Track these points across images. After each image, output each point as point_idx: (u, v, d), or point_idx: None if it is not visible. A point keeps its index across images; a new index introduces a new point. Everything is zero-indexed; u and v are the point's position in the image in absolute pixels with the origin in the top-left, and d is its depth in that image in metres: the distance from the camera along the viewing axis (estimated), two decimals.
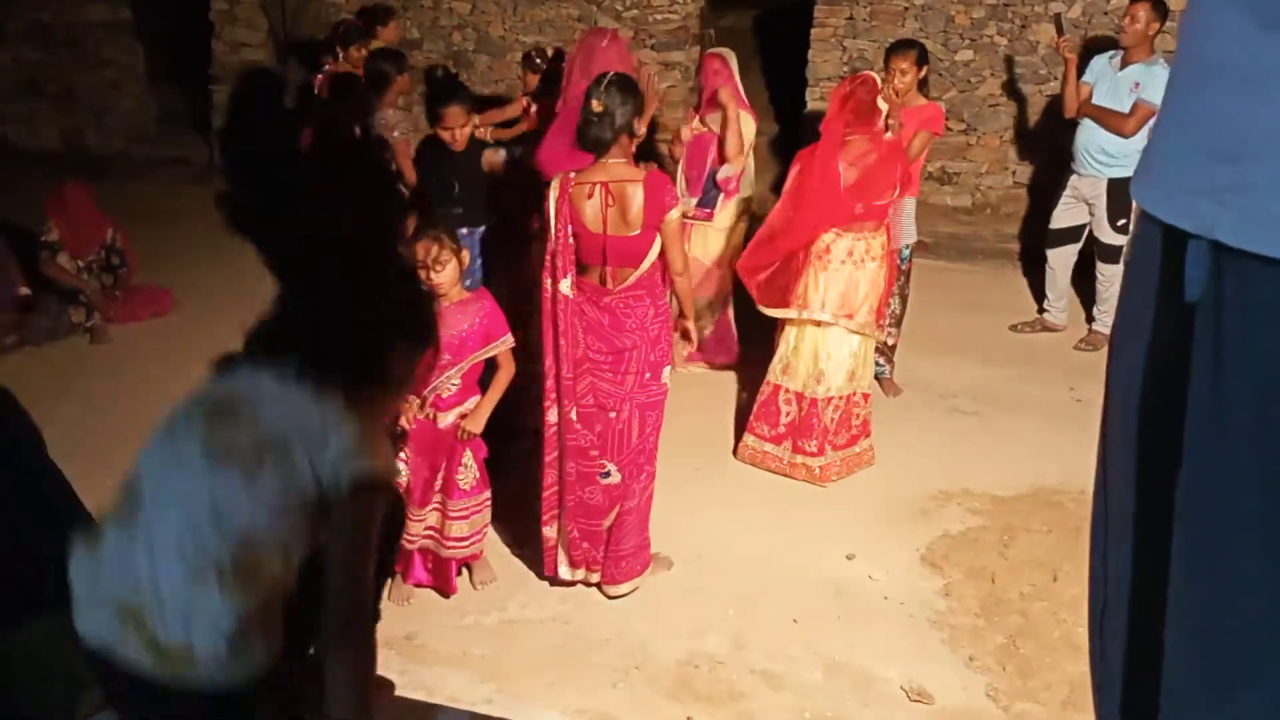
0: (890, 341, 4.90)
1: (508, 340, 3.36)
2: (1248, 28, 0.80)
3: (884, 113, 4.07)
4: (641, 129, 3.31)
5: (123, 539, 1.64)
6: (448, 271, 3.24)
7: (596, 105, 3.17)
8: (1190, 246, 0.84)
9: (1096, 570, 1.09)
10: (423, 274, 3.21)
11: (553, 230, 3.24)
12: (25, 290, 5.59)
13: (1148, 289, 0.92)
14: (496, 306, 3.38)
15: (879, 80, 4.14)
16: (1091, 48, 6.07)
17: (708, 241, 5.05)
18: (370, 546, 1.71)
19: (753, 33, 8.72)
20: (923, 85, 4.87)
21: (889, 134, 4.13)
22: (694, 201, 4.98)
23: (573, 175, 3.24)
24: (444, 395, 3.33)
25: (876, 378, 4.92)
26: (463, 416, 3.35)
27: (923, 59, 4.76)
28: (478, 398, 3.38)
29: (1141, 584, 0.97)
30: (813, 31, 7.20)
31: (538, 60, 5.60)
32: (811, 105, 7.19)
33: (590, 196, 3.19)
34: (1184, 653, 0.90)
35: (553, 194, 3.25)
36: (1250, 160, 0.81)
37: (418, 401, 3.35)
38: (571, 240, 3.24)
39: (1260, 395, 0.80)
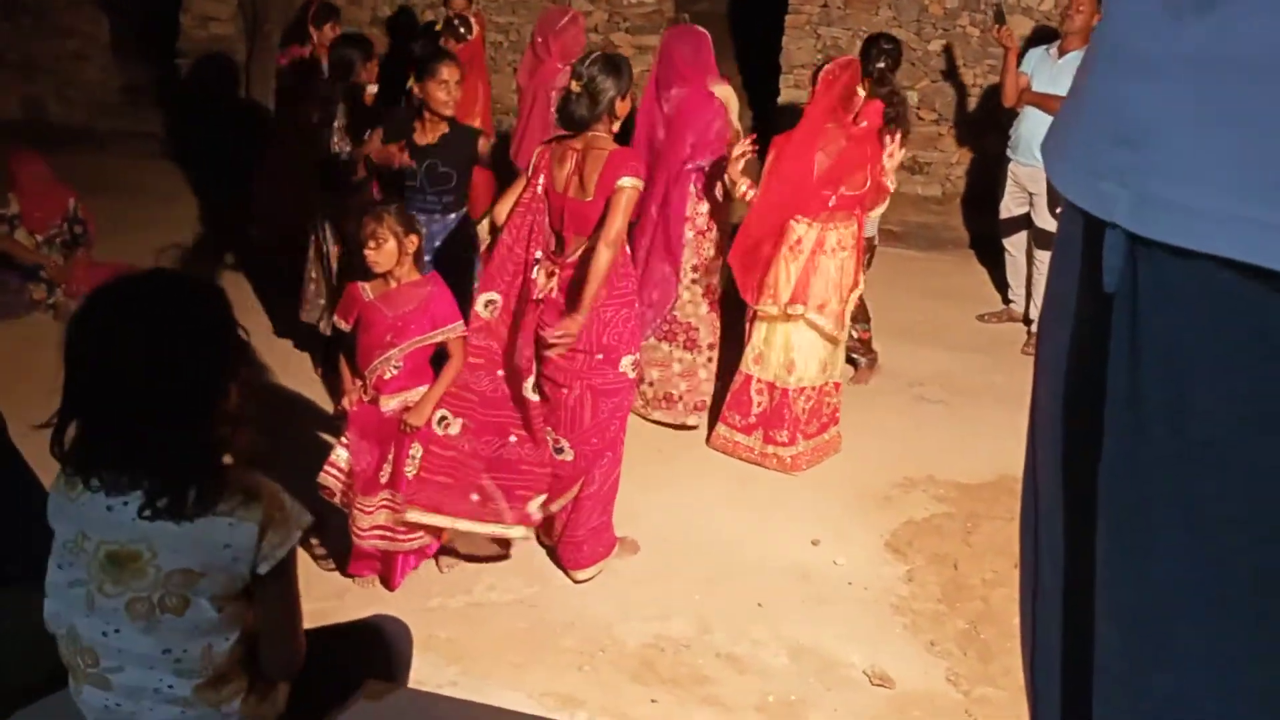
0: (864, 335, 4.93)
1: (457, 327, 3.27)
2: (1156, 15, 0.83)
3: (860, 99, 4.07)
4: (623, 110, 3.30)
5: (96, 690, 1.67)
6: (384, 251, 3.17)
7: (576, 85, 3.17)
8: (1107, 234, 0.87)
9: (1027, 554, 1.11)
10: (365, 252, 3.20)
11: (530, 185, 3.29)
12: None
13: (1070, 275, 0.96)
14: (446, 291, 3.32)
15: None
16: (1033, 38, 6.11)
17: None
18: (296, 592, 1.76)
19: (727, 18, 8.71)
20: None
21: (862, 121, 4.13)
22: None
23: (557, 140, 3.32)
24: (385, 377, 3.26)
25: (851, 363, 4.94)
26: (407, 407, 3.28)
27: (884, 55, 4.69)
28: (425, 387, 3.30)
29: (1072, 566, 0.99)
30: (787, 18, 7.21)
31: (461, 29, 5.50)
32: (785, 92, 7.20)
33: (563, 160, 3.24)
34: (1109, 631, 0.92)
35: (537, 151, 3.32)
36: (1150, 144, 0.84)
37: (361, 383, 3.31)
38: (543, 191, 3.27)
39: (1172, 380, 0.83)
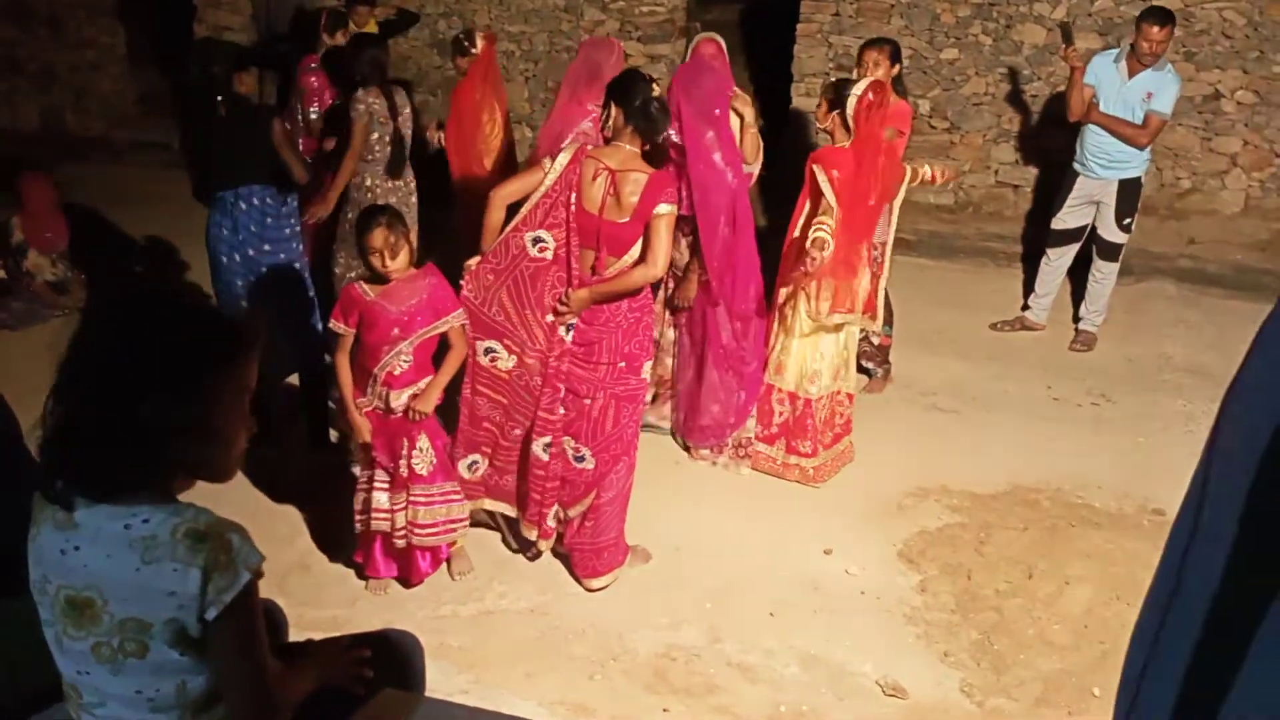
0: (885, 341, 4.91)
1: (459, 315, 3.31)
2: None
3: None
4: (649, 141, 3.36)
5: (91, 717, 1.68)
6: (401, 258, 3.22)
7: (657, 89, 3.28)
8: None
9: (1167, 575, 1.09)
10: (376, 260, 3.20)
11: (549, 188, 3.27)
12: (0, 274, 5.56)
13: None
14: (444, 281, 3.33)
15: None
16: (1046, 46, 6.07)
17: None
18: (255, 638, 1.67)
19: (738, 27, 8.71)
20: (897, 84, 4.81)
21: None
22: None
23: (590, 148, 3.30)
24: (396, 372, 3.28)
25: (866, 373, 4.93)
26: (414, 397, 3.30)
27: (896, 57, 4.74)
28: (431, 377, 3.33)
29: (1227, 599, 0.98)
30: (798, 27, 7.21)
31: (466, 44, 5.52)
32: (797, 100, 7.20)
33: (595, 179, 3.24)
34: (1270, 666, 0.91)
35: (564, 157, 3.29)
36: None
37: (369, 388, 3.30)
38: (573, 206, 3.26)
39: None
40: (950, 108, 7.04)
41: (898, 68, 4.75)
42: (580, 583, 3.56)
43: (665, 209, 3.21)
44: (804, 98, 7.15)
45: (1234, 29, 6.42)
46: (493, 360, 3.43)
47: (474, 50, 5.51)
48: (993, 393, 5.06)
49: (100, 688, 1.61)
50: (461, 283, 3.39)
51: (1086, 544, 3.81)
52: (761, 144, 4.39)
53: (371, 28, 6.32)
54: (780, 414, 4.25)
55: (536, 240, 3.30)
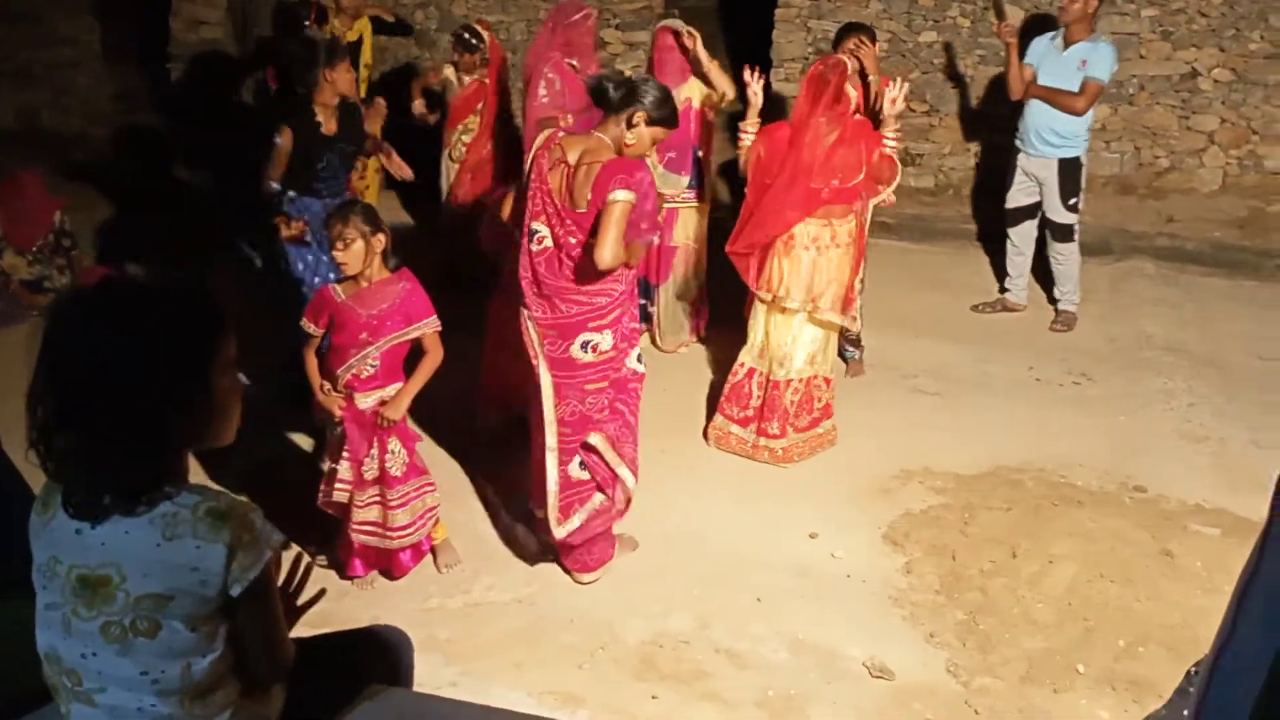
0: (857, 328, 4.92)
1: (432, 323, 3.28)
2: None
3: (852, 99, 4.06)
4: (646, 134, 3.18)
5: (85, 708, 1.68)
6: (352, 251, 3.18)
7: (628, 72, 3.20)
8: None
9: (1230, 611, 1.11)
10: (334, 253, 3.23)
11: (527, 178, 3.26)
12: None
13: None
14: (419, 287, 3.30)
15: (849, 65, 4.13)
16: (1031, 28, 6.11)
17: (692, 221, 5.04)
18: (275, 609, 1.75)
19: (716, 13, 8.70)
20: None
21: (884, 102, 4.16)
22: (685, 181, 4.93)
23: (561, 136, 3.24)
24: (361, 376, 3.26)
25: (844, 358, 4.94)
26: (383, 403, 3.28)
27: (872, 38, 4.87)
28: (400, 384, 3.30)
29: None
30: (777, 12, 7.20)
31: (472, 39, 5.37)
32: (776, 86, 7.18)
33: (553, 169, 3.20)
34: None
35: (537, 143, 3.26)
36: None
37: (330, 385, 3.29)
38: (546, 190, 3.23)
39: None
40: (929, 90, 7.05)
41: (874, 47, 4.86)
42: (571, 575, 3.56)
43: (620, 195, 3.02)
44: (783, 83, 7.14)
45: (1210, 7, 6.45)
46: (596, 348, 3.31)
47: (482, 45, 5.36)
48: (975, 374, 5.08)
49: (104, 670, 1.62)
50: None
51: (1069, 523, 3.84)
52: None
53: (365, 24, 6.25)
54: (757, 396, 4.27)
55: (534, 234, 3.25)
